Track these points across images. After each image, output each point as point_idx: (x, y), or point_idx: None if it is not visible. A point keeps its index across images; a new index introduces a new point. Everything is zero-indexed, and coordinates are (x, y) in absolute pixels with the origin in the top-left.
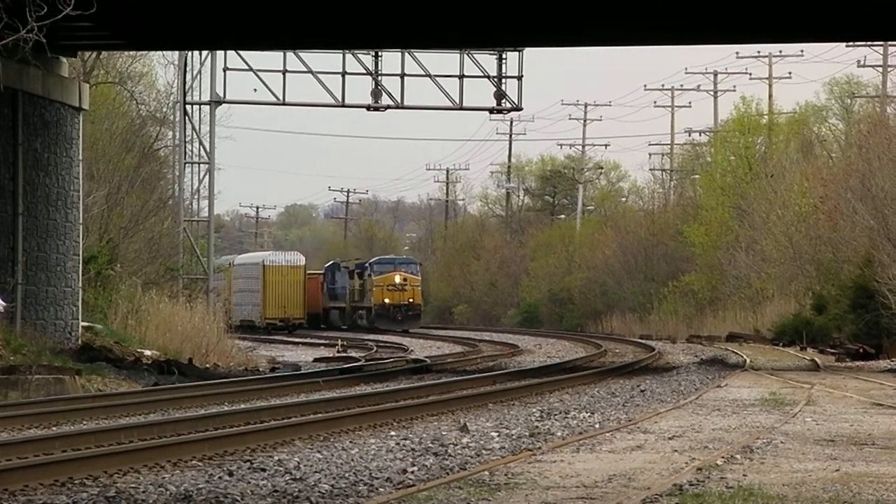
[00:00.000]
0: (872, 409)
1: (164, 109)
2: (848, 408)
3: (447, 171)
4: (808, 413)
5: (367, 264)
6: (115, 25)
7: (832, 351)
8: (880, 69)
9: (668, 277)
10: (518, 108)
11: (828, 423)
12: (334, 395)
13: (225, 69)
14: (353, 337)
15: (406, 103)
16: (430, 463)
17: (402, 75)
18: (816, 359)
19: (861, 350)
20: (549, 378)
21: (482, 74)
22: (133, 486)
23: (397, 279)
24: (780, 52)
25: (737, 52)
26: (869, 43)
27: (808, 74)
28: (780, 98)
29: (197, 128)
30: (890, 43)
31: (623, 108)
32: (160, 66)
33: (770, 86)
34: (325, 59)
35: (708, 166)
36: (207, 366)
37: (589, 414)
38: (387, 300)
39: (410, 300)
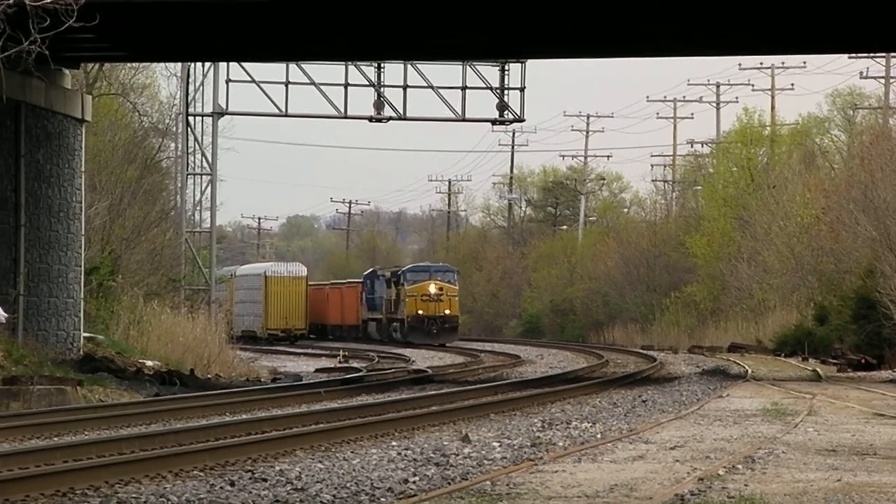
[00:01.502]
0: (874, 420)
1: (167, 121)
2: (850, 418)
3: (449, 182)
4: (809, 423)
5: (400, 272)
6: (118, 37)
7: (834, 361)
8: (883, 80)
9: (670, 288)
10: (520, 120)
11: (829, 434)
12: (336, 406)
13: (227, 81)
14: (356, 347)
15: (408, 115)
16: (431, 473)
17: (405, 87)
18: (818, 369)
19: (863, 360)
20: (551, 388)
21: (484, 86)
22: (134, 496)
23: (432, 289)
24: (783, 63)
25: (739, 64)
26: (871, 54)
27: (810, 86)
28: (783, 109)
29: (199, 139)
30: (892, 54)
31: (625, 119)
32: (163, 77)
33: (772, 97)
34: (328, 71)
35: (710, 177)
36: (209, 376)
37: (590, 424)
38: (420, 311)
39: (446, 312)
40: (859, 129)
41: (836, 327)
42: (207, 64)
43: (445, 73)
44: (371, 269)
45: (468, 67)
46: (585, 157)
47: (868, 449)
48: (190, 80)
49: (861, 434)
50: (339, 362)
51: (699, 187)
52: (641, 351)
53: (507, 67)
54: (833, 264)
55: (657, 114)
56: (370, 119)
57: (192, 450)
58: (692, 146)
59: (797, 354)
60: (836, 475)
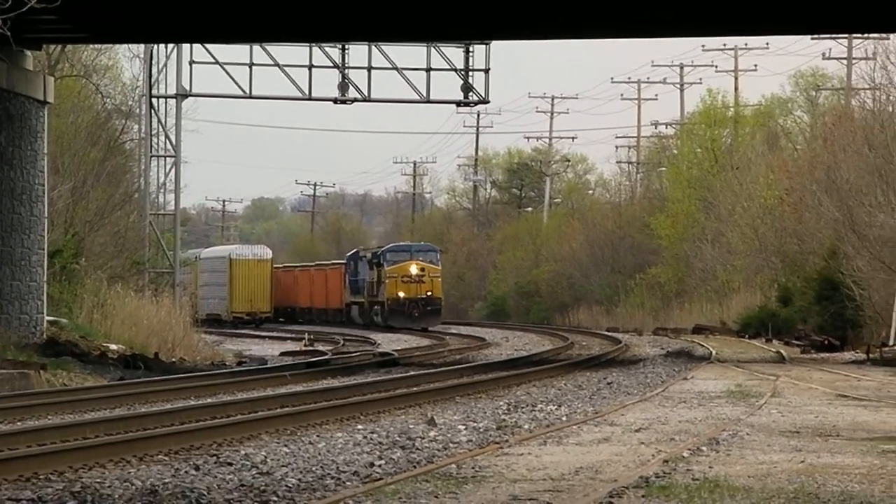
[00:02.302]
0: (837, 401)
1: (130, 103)
2: (813, 399)
3: (414, 164)
4: (773, 405)
5: (380, 252)
6: (80, 18)
7: (797, 343)
8: (845, 61)
9: (635, 270)
10: (485, 101)
11: (793, 415)
12: (301, 389)
13: (191, 62)
14: (321, 331)
15: (373, 96)
16: (397, 456)
17: (369, 68)
18: (782, 350)
19: (826, 342)
20: (517, 371)
21: (449, 67)
22: (98, 480)
23: (413, 269)
24: (746, 44)
25: (703, 45)
26: (834, 35)
27: (773, 67)
28: (746, 90)
29: (163, 121)
30: (854, 35)
31: (590, 100)
32: (126, 59)
33: (736, 78)
34: (292, 52)
35: (674, 159)
36: (173, 360)
37: (556, 407)
38: (401, 294)
39: (429, 293)
40: (822, 110)
41: (799, 308)
42: (170, 45)
43: (410, 54)
44: (354, 250)
45: (432, 49)
46: (550, 139)
47: (831, 430)
48: (153, 62)
49: (824, 415)
50: (305, 346)
51: (663, 169)
52: (606, 333)
53: (471, 49)
54: (796, 245)
55: (621, 95)
56: (335, 101)
57: (156, 434)
58: (656, 127)
59: (761, 336)
60: (799, 456)
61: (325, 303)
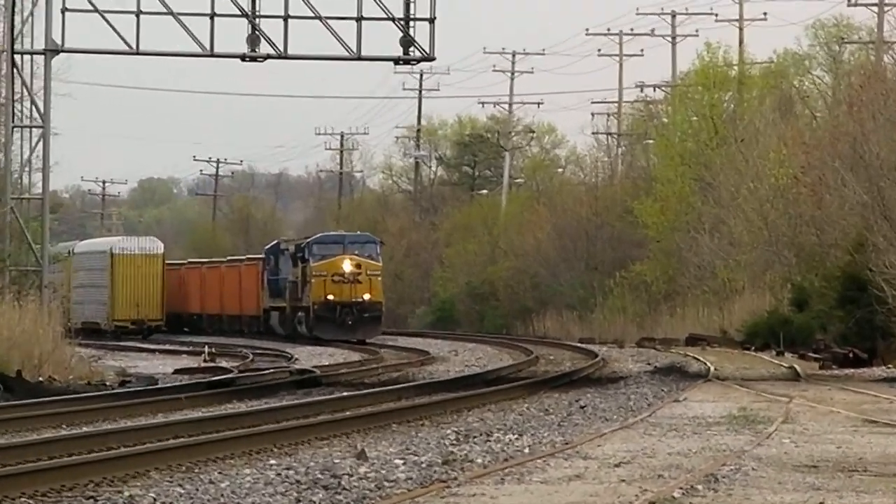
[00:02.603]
0: (864, 428)
1: None
2: (834, 426)
3: (342, 136)
4: (785, 433)
5: (305, 245)
6: None
7: (815, 356)
8: (875, 8)
9: (615, 267)
10: (430, 58)
11: (810, 445)
12: (199, 416)
13: (63, 10)
14: (226, 342)
15: (290, 52)
16: (318, 498)
17: (286, 17)
18: (796, 366)
19: (851, 355)
20: (468, 392)
21: (385, 17)
22: None
23: (347, 266)
24: None
25: None
26: None
27: (787, 15)
28: (753, 45)
29: (28, 83)
30: None
31: (560, 57)
32: None
33: (741, 29)
34: None
35: (664, 129)
36: (41, 379)
37: (516, 436)
38: (331, 297)
39: (366, 297)
40: (847, 69)
41: (818, 314)
42: None
43: (336, 1)
44: (274, 242)
45: None
46: (510, 105)
47: (856, 464)
48: (16, 10)
49: (848, 445)
50: (204, 361)
51: (651, 141)
52: (580, 345)
53: None
54: (815, 236)
55: (599, 50)
56: (243, 57)
57: (17, 471)
58: (642, 90)
59: (770, 348)
60: (817, 496)
61: (238, 308)
